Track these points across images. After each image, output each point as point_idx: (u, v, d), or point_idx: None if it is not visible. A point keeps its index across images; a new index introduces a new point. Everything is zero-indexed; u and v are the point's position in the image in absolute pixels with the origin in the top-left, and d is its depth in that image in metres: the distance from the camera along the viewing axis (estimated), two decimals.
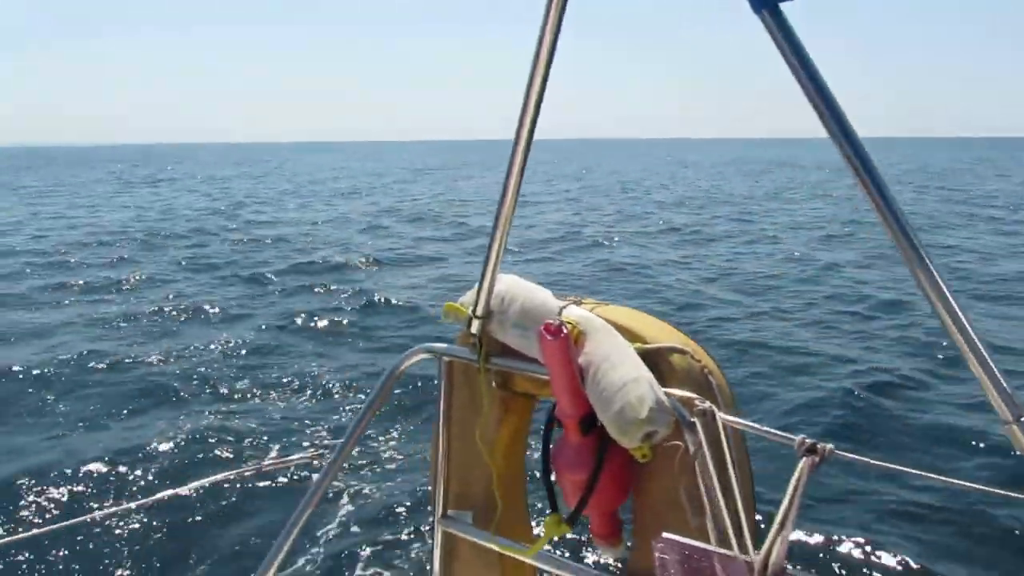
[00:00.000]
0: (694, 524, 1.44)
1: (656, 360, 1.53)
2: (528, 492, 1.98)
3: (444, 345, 1.81)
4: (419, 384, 9.47)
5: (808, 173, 70.47)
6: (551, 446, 1.66)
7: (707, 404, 1.44)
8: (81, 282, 17.54)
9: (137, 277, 18.28)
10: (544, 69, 1.28)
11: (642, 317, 1.68)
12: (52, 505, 6.99)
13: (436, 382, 1.85)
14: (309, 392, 10.48)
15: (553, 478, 1.65)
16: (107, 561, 6.14)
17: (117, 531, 6.52)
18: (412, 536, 7.09)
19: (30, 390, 10.08)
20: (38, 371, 10.67)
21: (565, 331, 1.49)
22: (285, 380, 10.95)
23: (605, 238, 25.53)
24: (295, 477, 8.00)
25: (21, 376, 10.47)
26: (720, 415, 1.44)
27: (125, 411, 9.42)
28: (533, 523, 1.95)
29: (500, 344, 1.72)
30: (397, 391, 9.73)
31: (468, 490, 1.82)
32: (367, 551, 6.72)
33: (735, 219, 31.76)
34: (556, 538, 1.67)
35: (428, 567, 1.85)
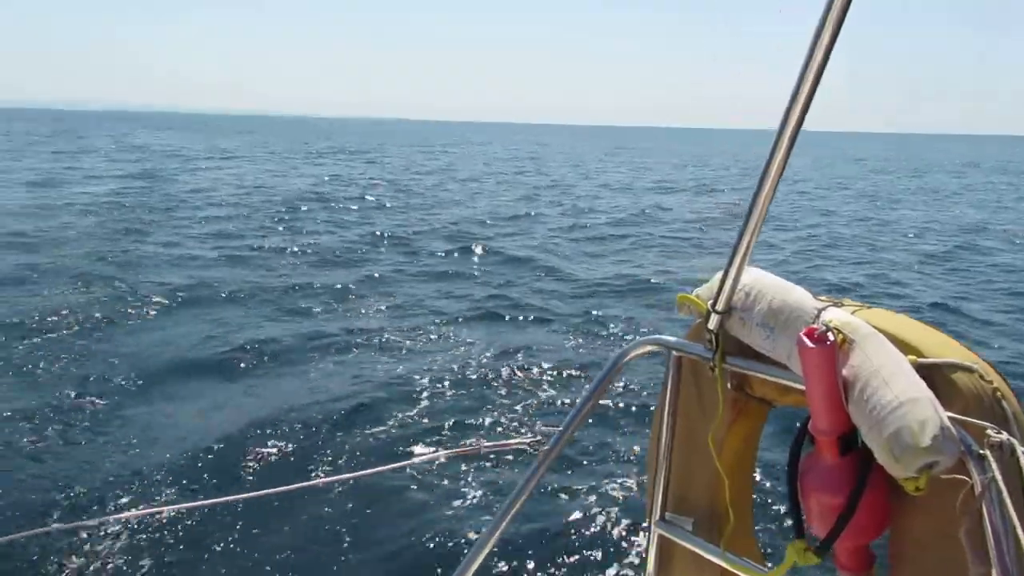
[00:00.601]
0: (975, 574, 1.23)
1: (935, 378, 1.33)
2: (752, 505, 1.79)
3: (675, 339, 1.72)
4: (642, 378, 9.34)
5: None
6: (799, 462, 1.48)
7: (1003, 435, 1.23)
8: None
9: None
10: (823, 56, 1.15)
11: (917, 326, 1.47)
12: (280, 468, 7.81)
13: (662, 377, 1.74)
14: (534, 377, 10.77)
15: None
16: (329, 527, 6.73)
17: (339, 498, 7.11)
18: (624, 534, 6.99)
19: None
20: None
21: (831, 339, 1.35)
22: (513, 363, 11.31)
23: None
24: (511, 462, 8.26)
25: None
26: (1021, 449, 1.22)
27: (359, 385, 10.31)
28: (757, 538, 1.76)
29: (737, 343, 1.59)
30: (619, 383, 9.66)
31: (690, 494, 1.72)
32: (576, 542, 6.73)
33: None
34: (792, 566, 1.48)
35: (641, 569, 1.75)
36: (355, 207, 29.25)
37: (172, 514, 6.40)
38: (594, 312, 14.21)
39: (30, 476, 7.16)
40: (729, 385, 1.64)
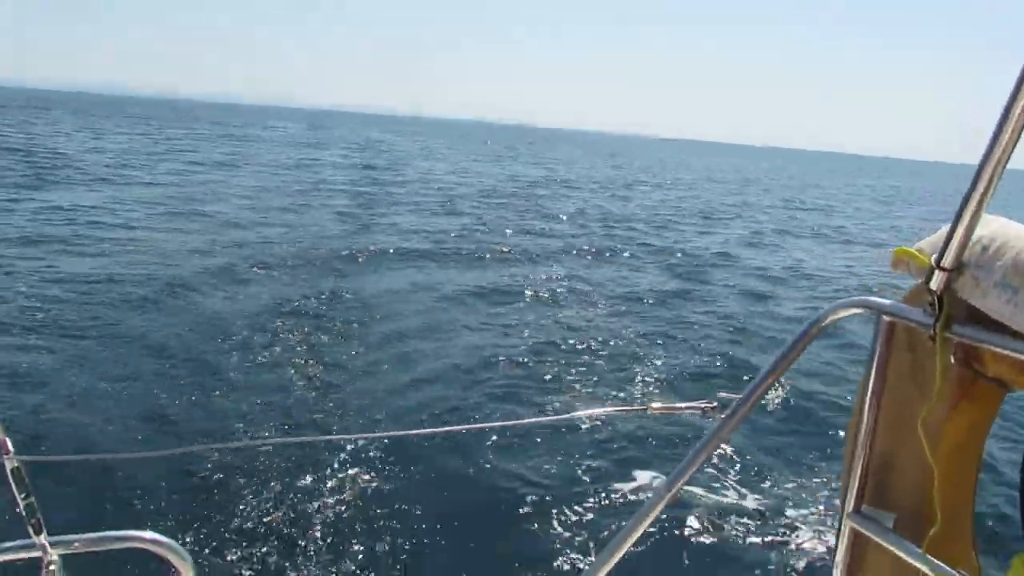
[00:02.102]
0: None
1: None
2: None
3: (887, 301, 1.44)
4: (845, 344, 8.59)
5: None
6: None
7: None
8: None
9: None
10: None
11: None
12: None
13: (869, 345, 1.47)
14: (717, 336, 10.34)
15: None
16: (497, 465, 6.89)
17: (509, 441, 7.26)
18: (809, 522, 6.49)
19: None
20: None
21: None
22: (690, 319, 10.95)
23: None
24: (684, 427, 7.98)
25: None
26: None
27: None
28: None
29: (967, 307, 1.30)
30: (814, 348, 9.00)
31: (893, 487, 1.48)
32: (751, 526, 6.35)
33: None
34: None
35: (828, 563, 1.53)
36: None
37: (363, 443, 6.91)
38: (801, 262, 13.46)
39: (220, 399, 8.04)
40: (953, 359, 1.36)
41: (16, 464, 1.31)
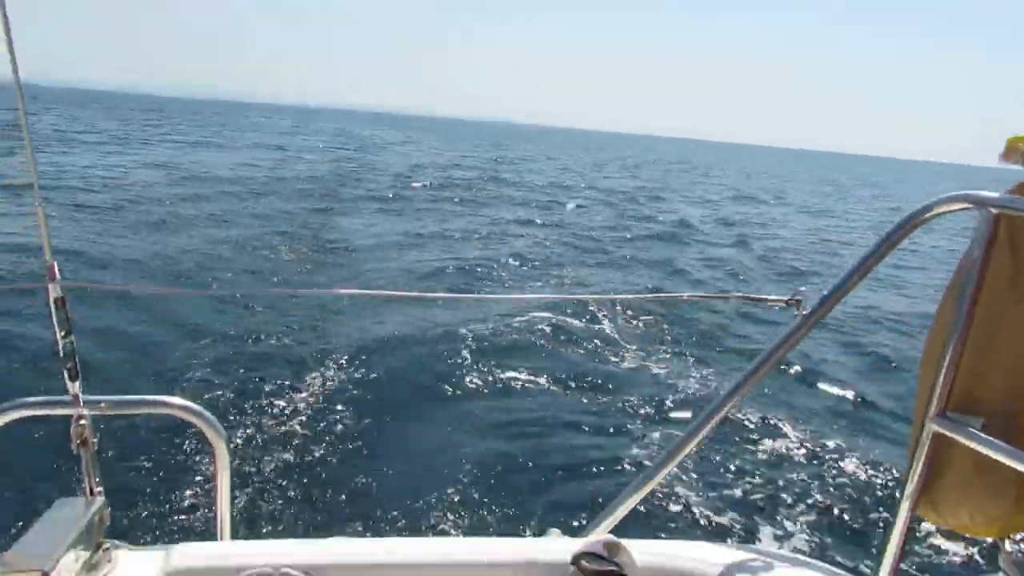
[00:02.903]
0: None
1: None
2: None
3: (995, 194, 1.33)
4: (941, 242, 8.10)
5: None
6: None
7: None
8: None
9: None
10: None
11: None
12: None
13: (969, 242, 1.34)
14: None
15: None
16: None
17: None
18: (883, 422, 6.39)
19: None
20: None
21: None
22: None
23: None
24: (763, 318, 7.84)
25: None
26: None
27: None
28: None
29: None
30: (905, 247, 8.58)
31: (982, 391, 1.39)
32: (822, 427, 6.17)
33: None
34: None
35: (909, 469, 1.44)
36: None
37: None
38: None
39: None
40: None
41: (60, 294, 1.25)
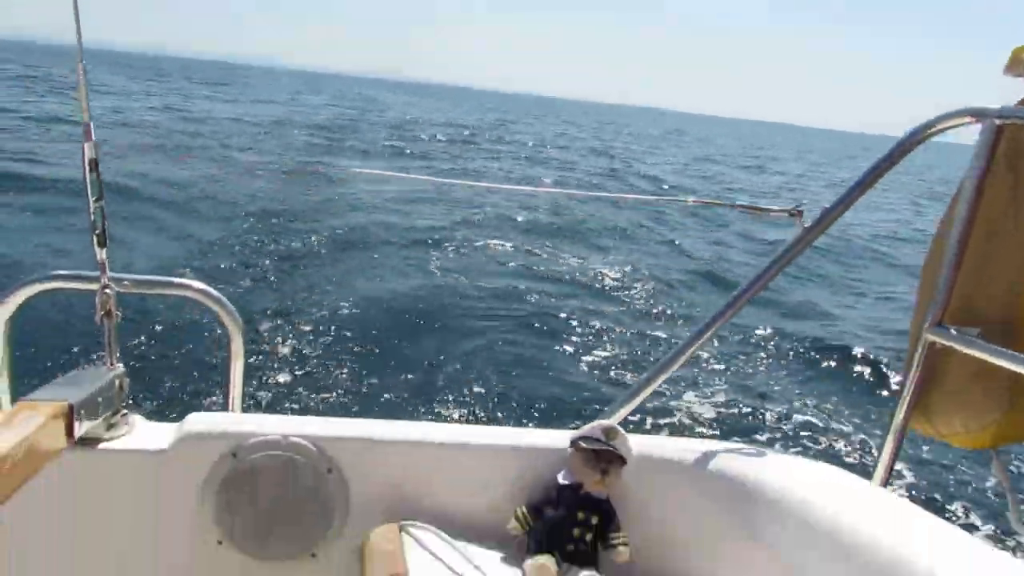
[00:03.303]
0: None
1: None
2: None
3: (997, 107, 1.31)
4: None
5: None
6: None
7: None
8: None
9: None
10: None
11: None
12: None
13: (971, 156, 1.33)
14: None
15: None
16: None
17: None
18: (878, 343, 6.39)
19: None
20: None
21: None
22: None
23: None
24: (767, 226, 7.79)
25: None
26: None
27: None
28: None
29: None
30: (911, 166, 8.46)
31: (979, 301, 1.40)
32: (820, 340, 6.20)
33: None
34: None
35: (905, 379, 1.47)
36: None
37: None
38: None
39: None
40: None
41: (94, 155, 1.24)
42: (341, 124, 27.45)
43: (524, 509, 1.29)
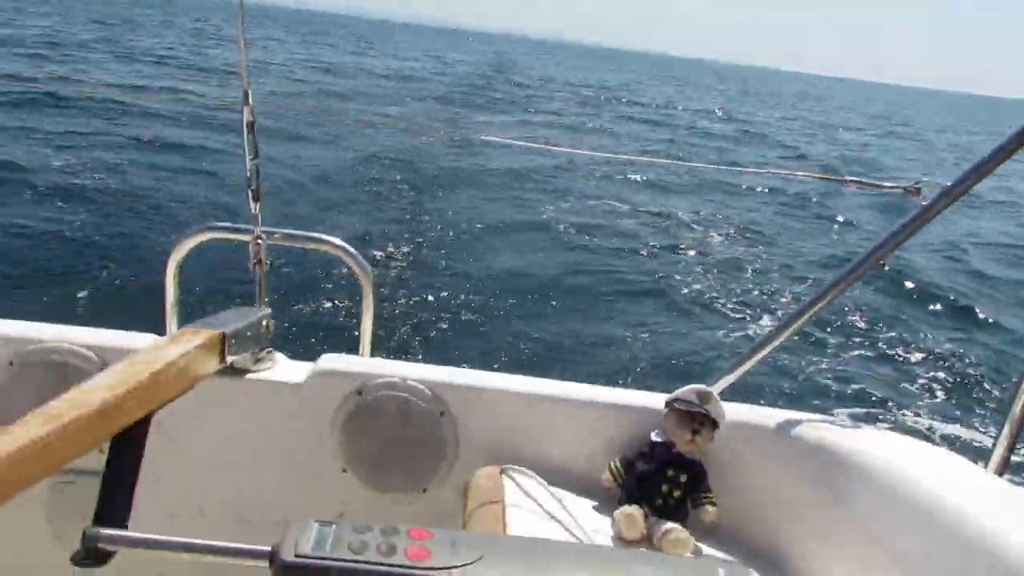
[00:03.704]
0: None
1: None
2: None
3: None
4: None
5: None
6: None
7: None
8: None
9: None
10: None
11: None
12: None
13: None
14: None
15: None
16: None
17: None
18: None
19: None
20: None
21: None
22: None
23: None
24: (881, 205, 7.34)
25: None
26: None
27: None
28: None
29: None
30: None
31: None
32: (940, 321, 5.98)
33: None
34: None
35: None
36: None
37: None
38: None
39: None
40: None
41: (251, 118, 1.36)
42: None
43: (618, 463, 1.36)
